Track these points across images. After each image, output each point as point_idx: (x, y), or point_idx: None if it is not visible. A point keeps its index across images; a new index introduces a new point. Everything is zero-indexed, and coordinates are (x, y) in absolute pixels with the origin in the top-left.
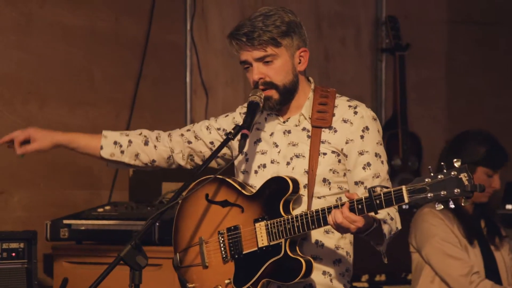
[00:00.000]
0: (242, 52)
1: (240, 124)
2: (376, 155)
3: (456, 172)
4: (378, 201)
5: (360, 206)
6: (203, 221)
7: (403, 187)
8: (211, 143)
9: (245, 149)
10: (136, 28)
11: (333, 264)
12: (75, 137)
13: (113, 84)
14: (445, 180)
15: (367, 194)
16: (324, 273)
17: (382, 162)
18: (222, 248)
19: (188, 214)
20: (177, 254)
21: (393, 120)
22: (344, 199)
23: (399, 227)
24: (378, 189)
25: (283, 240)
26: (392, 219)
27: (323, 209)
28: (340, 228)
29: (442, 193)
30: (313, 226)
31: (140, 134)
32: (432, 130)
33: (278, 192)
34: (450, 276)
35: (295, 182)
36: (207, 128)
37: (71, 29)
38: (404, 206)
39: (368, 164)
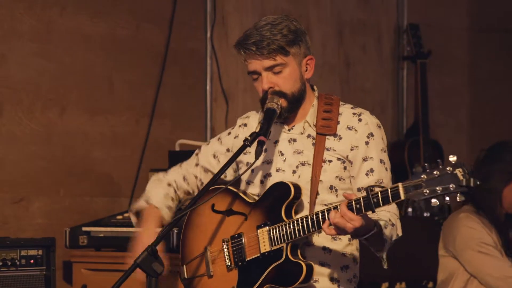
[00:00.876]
0: (251, 61)
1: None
2: (381, 161)
3: (451, 168)
4: (375, 200)
5: (358, 206)
6: (208, 231)
7: (399, 184)
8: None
9: (244, 158)
10: (156, 36)
11: (340, 270)
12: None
13: (133, 92)
14: (440, 176)
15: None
16: (332, 279)
17: (386, 169)
18: (226, 257)
19: (195, 225)
20: (184, 266)
21: (414, 128)
22: None
23: (400, 234)
24: (377, 188)
25: (284, 245)
26: (393, 225)
27: (322, 211)
28: (337, 229)
29: (437, 188)
30: (313, 229)
31: (169, 185)
32: (455, 138)
33: (280, 197)
34: (491, 276)
35: (297, 187)
36: (214, 156)
37: (91, 36)
38: (425, 214)
39: (371, 170)
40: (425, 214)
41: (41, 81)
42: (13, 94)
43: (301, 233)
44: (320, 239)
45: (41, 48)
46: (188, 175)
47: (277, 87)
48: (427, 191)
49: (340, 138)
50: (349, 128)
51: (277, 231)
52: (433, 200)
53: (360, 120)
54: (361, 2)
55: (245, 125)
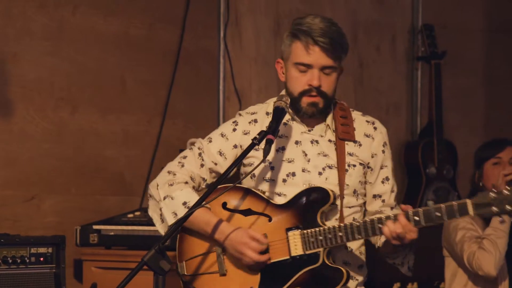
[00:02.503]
0: (312, 53)
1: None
2: (392, 170)
3: None
4: (438, 213)
5: (416, 218)
6: None
7: (467, 201)
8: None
9: (268, 157)
10: (169, 35)
11: (358, 269)
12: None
13: (145, 91)
14: (510, 195)
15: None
16: (352, 278)
17: (394, 177)
18: None
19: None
20: (183, 262)
21: (428, 129)
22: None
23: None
24: (431, 203)
25: (321, 250)
26: None
27: (371, 220)
28: (398, 239)
29: (507, 207)
30: (359, 236)
31: (186, 183)
32: (469, 139)
33: (316, 202)
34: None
35: (335, 194)
36: (220, 153)
37: (104, 35)
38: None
39: (387, 179)
40: None
41: (53, 80)
42: (25, 93)
43: (344, 240)
44: None
45: (54, 47)
46: (195, 176)
47: (323, 87)
48: (496, 210)
49: (360, 145)
50: (367, 136)
51: (314, 235)
52: (500, 217)
53: (375, 128)
54: (375, 2)
55: (255, 121)
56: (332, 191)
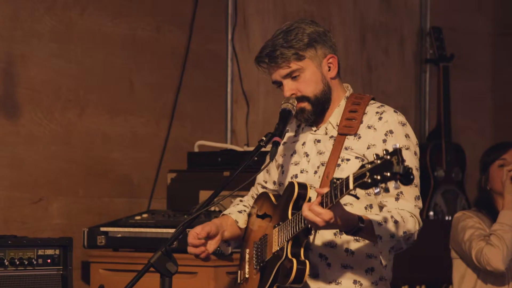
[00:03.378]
0: (270, 72)
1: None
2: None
3: (389, 156)
4: (336, 192)
5: (326, 199)
6: (251, 237)
7: (351, 174)
8: (264, 181)
9: (280, 161)
10: (177, 37)
11: (365, 273)
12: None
13: (153, 93)
14: (381, 164)
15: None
16: (355, 282)
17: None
18: (254, 259)
19: (247, 234)
20: (239, 271)
21: (437, 131)
22: (377, 208)
23: (410, 230)
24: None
25: (285, 243)
26: (396, 222)
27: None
28: (309, 223)
29: (377, 177)
30: (303, 225)
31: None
32: (477, 142)
33: (288, 196)
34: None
35: (301, 185)
36: (267, 172)
37: (112, 37)
38: (447, 218)
39: None
40: (446, 218)
41: (61, 82)
42: (33, 95)
43: (295, 230)
44: (342, 241)
45: (61, 49)
46: (253, 194)
47: (299, 92)
48: (369, 180)
49: (359, 138)
50: (369, 127)
51: (282, 229)
52: (375, 189)
53: (380, 118)
54: (384, 5)
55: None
56: (299, 183)
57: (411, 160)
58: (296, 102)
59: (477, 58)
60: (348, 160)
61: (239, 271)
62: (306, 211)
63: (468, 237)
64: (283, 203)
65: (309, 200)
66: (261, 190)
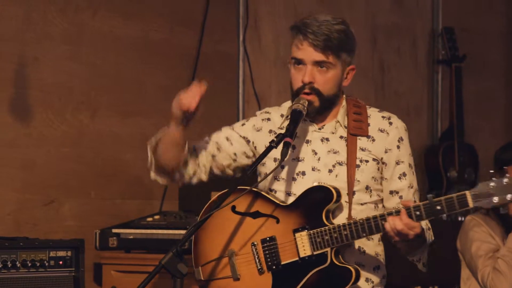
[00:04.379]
0: (303, 48)
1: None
2: (410, 165)
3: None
4: (439, 207)
5: (418, 213)
6: (231, 233)
7: (467, 192)
8: (235, 154)
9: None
10: (188, 39)
11: (373, 270)
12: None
13: (164, 95)
14: (510, 184)
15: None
16: (367, 280)
17: (413, 173)
18: (257, 260)
19: (212, 227)
20: (199, 267)
21: (449, 132)
22: (381, 207)
23: (433, 238)
24: (431, 196)
25: (328, 249)
26: (429, 229)
27: (374, 217)
28: (399, 235)
29: (508, 196)
30: (364, 234)
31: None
32: (490, 143)
33: (320, 201)
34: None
35: (338, 191)
36: (227, 139)
37: (123, 39)
38: (460, 218)
39: (404, 174)
40: (459, 219)
41: (72, 84)
42: (44, 97)
43: (349, 239)
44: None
45: (73, 51)
46: (198, 148)
47: (317, 84)
48: (497, 199)
49: (373, 140)
50: (381, 131)
51: (320, 235)
52: (502, 208)
53: (390, 123)
54: (395, 5)
55: (269, 119)
56: (335, 188)
57: (414, 165)
58: (307, 103)
59: (489, 58)
60: (367, 161)
61: (200, 267)
62: (400, 225)
63: (475, 251)
64: (307, 207)
65: (338, 205)
66: (214, 148)
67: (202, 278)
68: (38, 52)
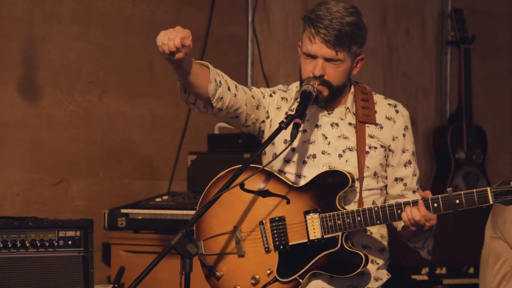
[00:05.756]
0: (315, 42)
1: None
2: (413, 153)
3: None
4: (458, 201)
5: (436, 205)
6: (238, 210)
7: (488, 189)
8: (253, 107)
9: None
10: (197, 20)
11: (379, 253)
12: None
13: (173, 75)
14: None
15: (411, 196)
16: (372, 261)
17: (415, 160)
18: (264, 238)
19: (218, 202)
20: (201, 241)
21: (457, 114)
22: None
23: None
24: (450, 190)
25: (340, 234)
26: None
27: (390, 206)
28: (416, 225)
29: None
30: (378, 222)
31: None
32: (498, 124)
33: (334, 185)
34: None
35: (353, 177)
36: (261, 92)
37: (132, 19)
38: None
39: (409, 162)
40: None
41: (81, 64)
42: (53, 77)
43: (362, 225)
44: None
45: (82, 31)
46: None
47: (327, 77)
48: None
49: (382, 127)
50: (388, 118)
51: (332, 219)
52: None
53: (397, 111)
54: None
55: (286, 99)
56: (350, 174)
57: (416, 166)
58: (317, 84)
59: (498, 40)
60: (375, 148)
61: (202, 241)
62: (418, 216)
63: None
64: (321, 190)
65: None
66: (259, 95)
67: (204, 253)
68: (46, 32)
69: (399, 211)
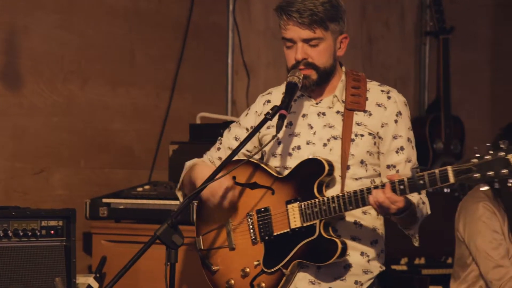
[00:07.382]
0: (290, 28)
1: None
2: (408, 140)
3: (504, 153)
4: (421, 182)
5: (402, 187)
6: (237, 205)
7: (448, 168)
8: (248, 151)
9: (267, 132)
10: (178, 9)
11: (370, 244)
12: None
13: (154, 64)
14: (492, 161)
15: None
16: (362, 253)
17: (412, 147)
18: (251, 230)
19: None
20: (200, 237)
21: (436, 104)
22: (379, 182)
23: (429, 212)
24: (414, 171)
25: (317, 221)
26: (423, 203)
27: (361, 190)
28: (381, 208)
29: (489, 173)
30: (351, 207)
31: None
32: (476, 114)
33: (312, 173)
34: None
35: (330, 164)
36: (236, 139)
37: (114, 9)
38: (445, 190)
39: (402, 148)
40: (445, 190)
41: (63, 53)
42: (35, 66)
43: (337, 211)
44: (352, 213)
45: (64, 20)
46: (213, 159)
47: (311, 59)
48: (478, 176)
49: (370, 114)
50: (379, 105)
51: (310, 207)
52: (483, 185)
53: (389, 98)
54: None
55: (269, 101)
56: (327, 161)
57: (413, 139)
58: (302, 75)
59: (476, 30)
60: (362, 135)
61: (201, 237)
62: (382, 197)
63: (482, 245)
64: (300, 179)
65: (331, 179)
66: (225, 154)
67: (203, 248)
68: (28, 21)
69: (368, 195)
